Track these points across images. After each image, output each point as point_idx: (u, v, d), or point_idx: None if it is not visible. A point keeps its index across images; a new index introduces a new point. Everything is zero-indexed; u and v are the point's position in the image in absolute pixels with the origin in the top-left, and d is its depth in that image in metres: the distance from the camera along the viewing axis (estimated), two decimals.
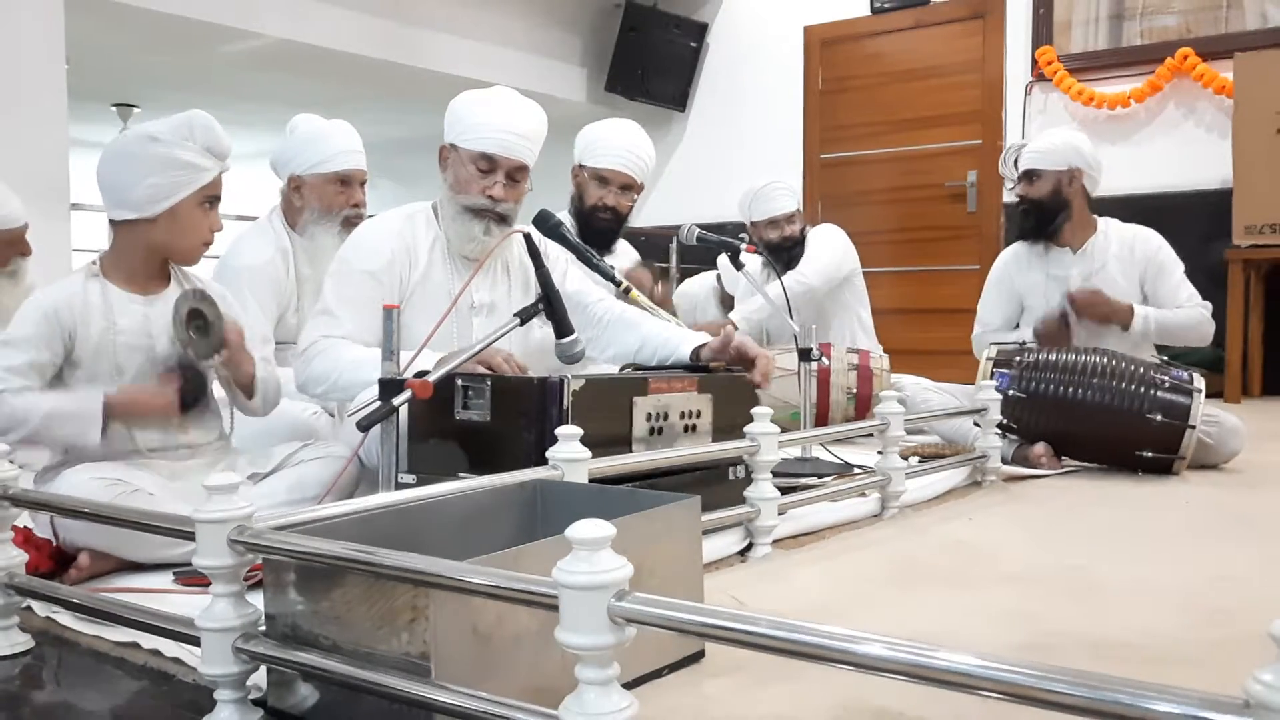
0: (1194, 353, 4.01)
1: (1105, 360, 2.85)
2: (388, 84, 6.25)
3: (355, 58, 5.58)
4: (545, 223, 2.48)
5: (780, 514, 2.01)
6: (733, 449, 1.96)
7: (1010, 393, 2.87)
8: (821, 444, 2.72)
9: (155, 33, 5.15)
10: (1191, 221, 4.89)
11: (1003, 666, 0.75)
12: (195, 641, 1.18)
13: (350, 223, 2.84)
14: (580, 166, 3.22)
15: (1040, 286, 3.35)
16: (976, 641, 1.43)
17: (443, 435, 1.87)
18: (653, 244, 5.53)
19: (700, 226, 2.90)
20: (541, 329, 2.16)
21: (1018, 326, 3.45)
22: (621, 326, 2.38)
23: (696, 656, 1.33)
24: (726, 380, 2.12)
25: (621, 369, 2.33)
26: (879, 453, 2.40)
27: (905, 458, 2.58)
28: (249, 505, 1.17)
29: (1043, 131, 3.69)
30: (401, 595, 1.04)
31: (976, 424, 2.84)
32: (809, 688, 1.24)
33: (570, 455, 1.55)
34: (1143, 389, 2.78)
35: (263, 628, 1.17)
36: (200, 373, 1.95)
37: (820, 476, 2.49)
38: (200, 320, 1.88)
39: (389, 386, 1.69)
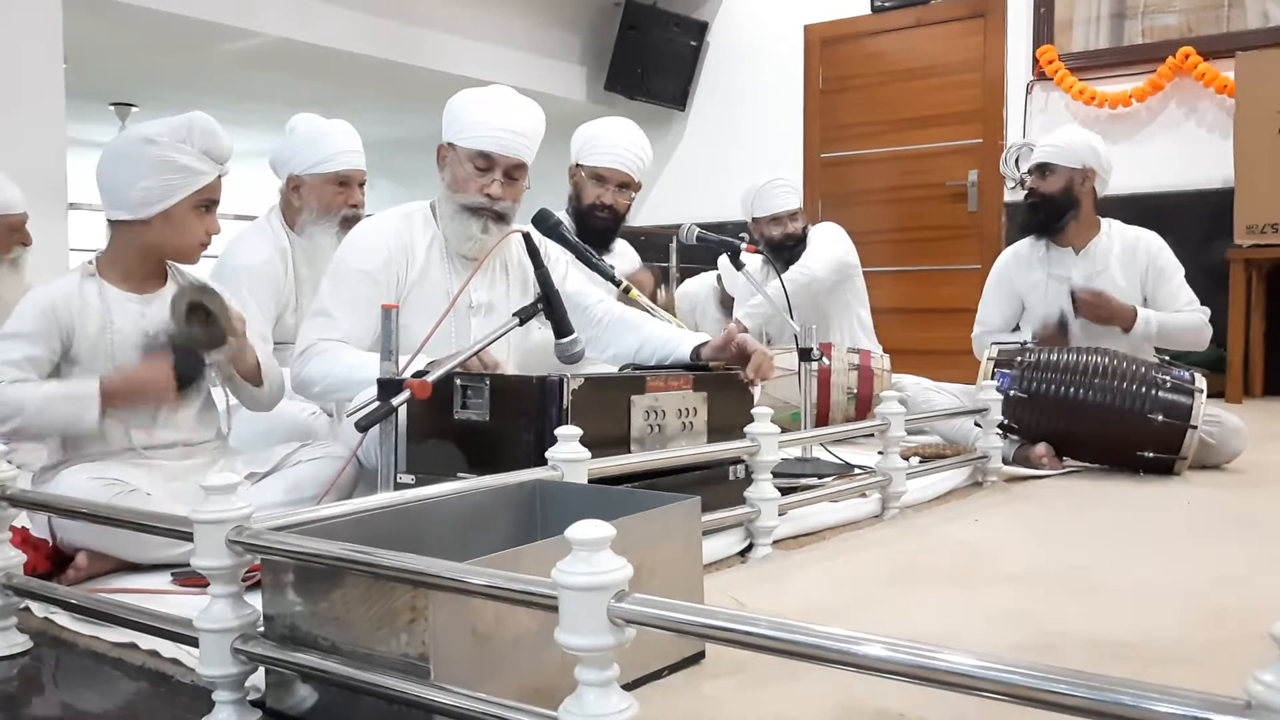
0: (1195, 353, 4.00)
1: (1107, 360, 2.85)
2: (388, 84, 6.25)
3: (355, 57, 5.58)
4: (544, 222, 2.48)
5: (780, 514, 2.00)
6: (733, 449, 1.96)
7: (1011, 393, 2.87)
8: (822, 444, 2.71)
9: (154, 32, 5.14)
10: (1193, 221, 4.89)
11: (1003, 667, 0.74)
12: (193, 642, 1.18)
13: (349, 223, 2.83)
14: (577, 165, 3.21)
15: (1041, 286, 3.34)
16: (977, 642, 1.43)
17: (442, 435, 1.87)
18: (653, 244, 5.53)
19: (700, 226, 2.90)
20: (541, 329, 2.15)
21: (1018, 327, 3.44)
22: (621, 327, 2.38)
23: (697, 657, 1.33)
24: (721, 378, 2.12)
25: (620, 369, 2.33)
26: (880, 453, 2.40)
27: (906, 458, 2.57)
28: (247, 505, 1.17)
29: (1057, 128, 3.66)
30: (400, 596, 1.04)
31: (977, 424, 2.84)
32: (809, 688, 1.24)
33: (570, 455, 1.55)
34: (1144, 389, 2.78)
35: (261, 628, 1.17)
36: (194, 351, 1.90)
37: (821, 477, 2.48)
38: (203, 312, 1.86)
39: (388, 386, 1.68)
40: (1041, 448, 2.91)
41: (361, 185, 2.96)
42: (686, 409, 2.02)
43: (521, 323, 1.94)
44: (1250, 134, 4.79)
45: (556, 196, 3.20)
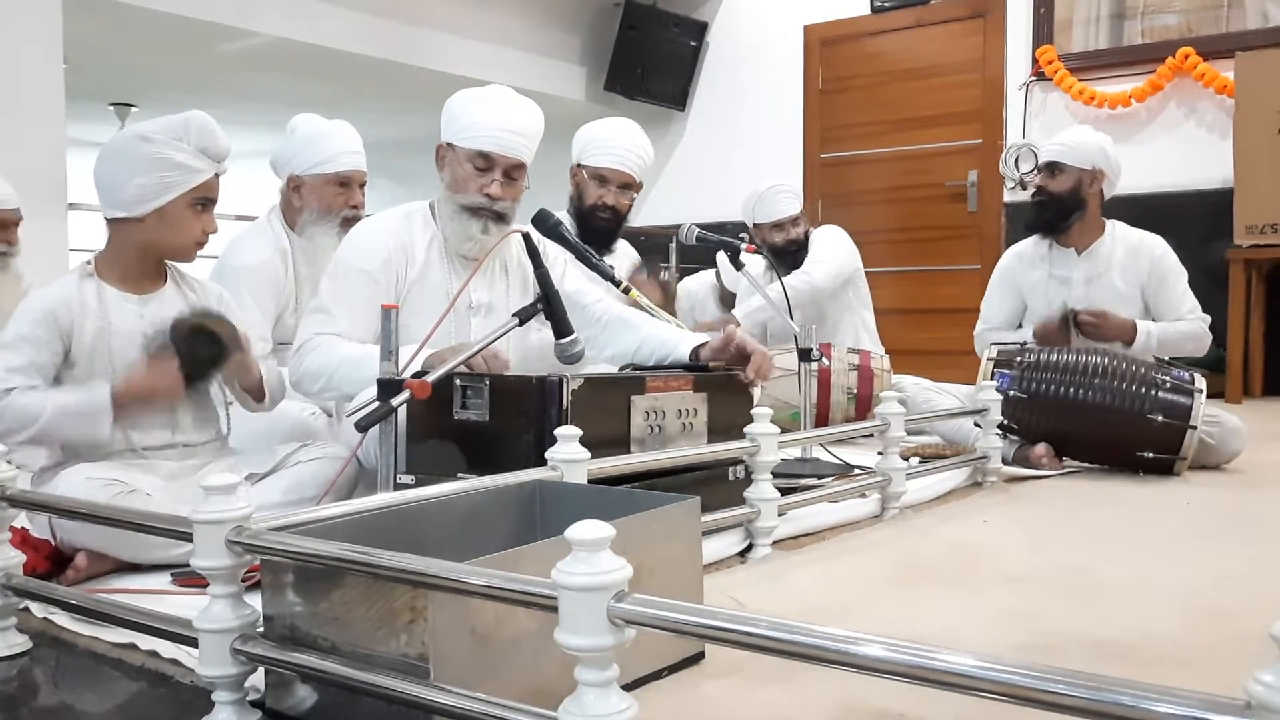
0: None
1: (1106, 360, 2.85)
2: (388, 84, 6.25)
3: (355, 57, 5.58)
4: (544, 222, 2.48)
5: (780, 515, 2.00)
6: (733, 449, 1.96)
7: (1011, 393, 2.87)
8: (822, 444, 2.71)
9: (153, 32, 5.14)
10: (1192, 221, 4.89)
11: (1003, 667, 0.74)
12: (193, 642, 1.18)
13: (349, 223, 2.83)
14: (579, 166, 3.21)
15: (1042, 285, 3.34)
16: (976, 642, 1.43)
17: (441, 435, 1.87)
18: (653, 244, 5.53)
19: (700, 226, 2.89)
20: (540, 329, 2.15)
21: (1020, 326, 3.44)
22: (620, 327, 2.38)
23: (696, 658, 1.33)
24: (721, 379, 2.12)
25: (620, 369, 2.33)
26: (879, 453, 2.40)
27: (906, 458, 2.57)
28: (247, 506, 1.17)
29: (1063, 129, 3.67)
30: (400, 596, 1.04)
31: (977, 424, 2.84)
32: (809, 689, 1.24)
33: (569, 456, 1.55)
34: (1144, 389, 2.78)
35: (261, 629, 1.17)
36: (197, 346, 1.89)
37: (820, 477, 2.48)
38: (207, 335, 1.87)
39: (387, 387, 1.68)
40: (1041, 448, 2.91)
41: (362, 186, 2.96)
42: (686, 409, 2.02)
43: (521, 323, 1.94)
44: (1250, 134, 4.79)
45: (557, 196, 3.20)
